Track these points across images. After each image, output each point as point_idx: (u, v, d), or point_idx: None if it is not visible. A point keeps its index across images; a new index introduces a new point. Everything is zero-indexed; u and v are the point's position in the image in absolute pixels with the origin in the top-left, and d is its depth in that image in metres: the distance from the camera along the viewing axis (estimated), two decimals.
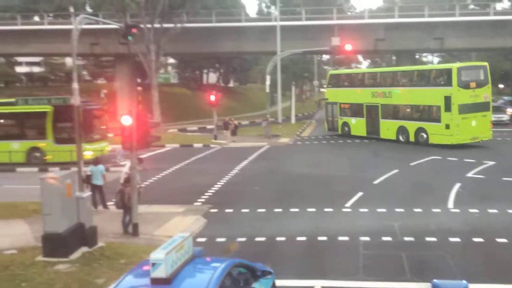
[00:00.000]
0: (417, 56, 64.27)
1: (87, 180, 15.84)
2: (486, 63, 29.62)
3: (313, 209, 15.54)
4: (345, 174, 21.83)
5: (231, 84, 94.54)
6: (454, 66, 29.46)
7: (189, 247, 6.78)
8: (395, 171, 21.48)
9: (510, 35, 43.20)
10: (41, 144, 25.61)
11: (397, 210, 15.17)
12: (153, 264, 6.05)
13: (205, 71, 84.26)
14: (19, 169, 25.07)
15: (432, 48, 50.69)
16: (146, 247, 11.61)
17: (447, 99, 27.58)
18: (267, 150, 30.76)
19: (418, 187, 18.56)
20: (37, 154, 25.74)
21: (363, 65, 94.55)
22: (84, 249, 11.63)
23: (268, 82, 39.33)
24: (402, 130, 30.66)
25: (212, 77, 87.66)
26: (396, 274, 10.28)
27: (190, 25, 43.33)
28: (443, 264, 10.86)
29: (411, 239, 12.48)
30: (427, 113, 29.17)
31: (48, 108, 25.21)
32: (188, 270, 6.49)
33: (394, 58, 64.84)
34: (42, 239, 11.25)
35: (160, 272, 6.03)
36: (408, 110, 30.74)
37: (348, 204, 16.10)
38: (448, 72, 28.22)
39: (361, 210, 15.36)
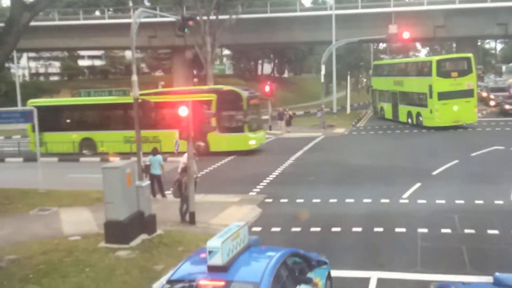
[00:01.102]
0: (479, 43, 61.81)
1: (146, 169, 16.31)
2: (470, 55, 32.25)
3: (369, 200, 15.35)
4: (402, 164, 21.38)
5: (285, 75, 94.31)
6: (434, 58, 32.87)
7: (244, 236, 6.86)
8: (455, 161, 20.85)
9: None
10: None
11: (457, 201, 14.76)
12: (210, 252, 6.15)
13: (259, 61, 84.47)
14: (82, 159, 26.08)
15: (496, 34, 48.60)
16: (203, 235, 11.84)
17: (430, 87, 31.15)
18: (322, 140, 30.55)
19: (479, 179, 17.93)
20: (201, 144, 24.69)
21: (422, 53, 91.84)
22: (144, 236, 12.00)
23: (323, 72, 38.90)
24: (409, 114, 34.61)
25: (266, 68, 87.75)
26: (456, 267, 10.02)
27: (245, 16, 43.47)
28: (505, 257, 10.50)
29: (472, 231, 12.11)
30: (422, 100, 32.63)
31: (212, 97, 23.98)
32: (244, 259, 6.57)
33: (454, 45, 62.63)
34: (104, 226, 11.69)
35: (217, 260, 6.13)
36: (411, 97, 34.57)
37: (405, 195, 15.78)
38: (429, 63, 32.05)
39: (419, 201, 15.03)
